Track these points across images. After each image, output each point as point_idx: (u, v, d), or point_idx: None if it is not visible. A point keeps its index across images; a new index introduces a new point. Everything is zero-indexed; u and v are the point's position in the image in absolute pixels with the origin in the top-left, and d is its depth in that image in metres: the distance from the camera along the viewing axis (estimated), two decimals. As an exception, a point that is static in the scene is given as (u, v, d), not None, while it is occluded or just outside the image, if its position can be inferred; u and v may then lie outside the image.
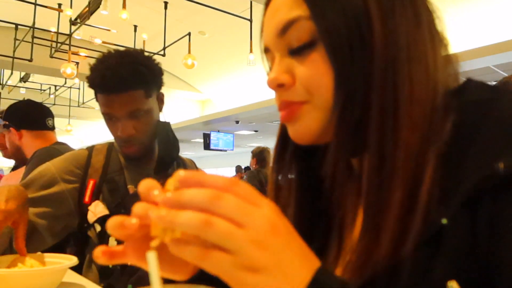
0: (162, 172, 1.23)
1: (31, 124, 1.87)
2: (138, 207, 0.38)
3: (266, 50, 0.53)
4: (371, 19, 0.44)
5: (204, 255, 0.32)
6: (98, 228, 1.14)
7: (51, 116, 1.95)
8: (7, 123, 1.87)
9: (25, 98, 2.07)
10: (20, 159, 1.93)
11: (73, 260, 0.91)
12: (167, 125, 1.26)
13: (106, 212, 1.14)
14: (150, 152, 1.22)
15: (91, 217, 1.15)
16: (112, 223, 0.38)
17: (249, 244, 0.32)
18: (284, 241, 0.34)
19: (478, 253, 0.39)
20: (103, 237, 1.12)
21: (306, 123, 0.48)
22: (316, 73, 0.46)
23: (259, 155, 4.79)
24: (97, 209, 1.14)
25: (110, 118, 1.17)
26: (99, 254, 0.39)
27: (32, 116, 1.89)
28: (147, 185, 0.39)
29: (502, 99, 0.43)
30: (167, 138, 1.25)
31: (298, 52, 0.47)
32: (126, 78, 1.10)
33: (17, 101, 2.04)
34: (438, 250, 0.40)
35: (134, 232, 0.37)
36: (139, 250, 0.40)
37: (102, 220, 1.14)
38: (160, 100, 1.26)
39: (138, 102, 1.14)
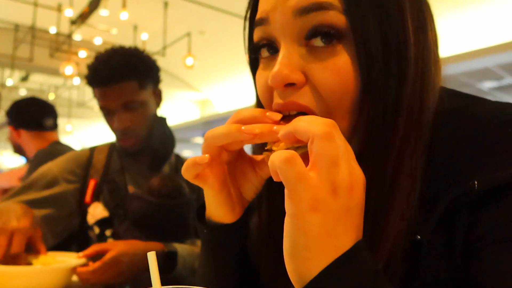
0: (157, 166, 1.23)
1: (29, 125, 1.84)
2: (260, 125, 0.41)
3: (262, 21, 0.45)
4: (407, 31, 0.41)
5: (292, 159, 0.33)
6: (96, 230, 1.14)
7: (53, 115, 1.91)
8: (8, 120, 1.86)
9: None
10: (23, 156, 1.93)
11: (82, 260, 0.93)
12: (163, 120, 1.27)
13: (105, 214, 1.14)
14: (146, 146, 1.22)
15: (90, 219, 1.15)
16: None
17: (336, 180, 0.34)
18: (355, 204, 0.35)
19: (454, 266, 0.39)
20: (102, 240, 1.12)
21: None
22: (336, 78, 0.40)
23: None
24: (96, 211, 1.14)
25: (107, 112, 1.17)
26: (203, 160, 0.43)
27: (31, 116, 1.85)
28: (259, 110, 0.43)
29: (476, 107, 0.44)
30: (163, 132, 1.25)
31: (315, 44, 0.41)
32: (117, 69, 1.12)
33: (22, 98, 1.99)
34: (416, 264, 0.40)
35: (248, 139, 0.41)
36: (220, 175, 0.46)
37: (101, 223, 1.14)
38: (157, 95, 1.26)
39: (131, 93, 1.14)
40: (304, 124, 0.35)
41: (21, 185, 1.14)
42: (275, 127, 0.39)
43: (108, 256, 0.94)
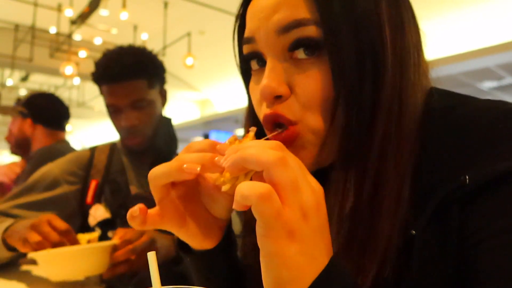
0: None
1: (50, 122, 1.84)
2: (200, 156, 0.38)
3: (249, 40, 0.48)
4: (384, 36, 0.43)
5: (269, 196, 0.31)
6: (98, 231, 1.14)
7: (69, 117, 1.93)
8: (25, 111, 1.83)
9: (21, 96, 2.00)
10: (24, 151, 1.88)
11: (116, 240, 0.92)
12: (169, 120, 1.27)
13: (107, 215, 1.14)
14: (151, 145, 1.22)
15: (92, 220, 1.15)
16: (172, 166, 0.39)
17: (301, 207, 0.32)
18: (323, 221, 0.34)
19: (448, 262, 0.40)
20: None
21: (306, 152, 0.45)
22: (316, 86, 0.43)
23: None
24: (97, 213, 1.14)
25: (114, 110, 1.17)
26: (136, 213, 0.41)
27: (53, 113, 1.85)
28: (209, 142, 0.40)
29: (467, 104, 0.44)
30: (167, 133, 1.25)
31: (298, 57, 0.44)
32: (129, 67, 1.13)
33: (40, 92, 1.97)
34: (409, 259, 0.41)
35: (190, 177, 0.39)
36: (174, 213, 0.43)
37: (102, 224, 1.14)
38: (163, 95, 1.26)
39: (141, 91, 1.15)
40: (253, 153, 0.33)
41: (22, 187, 1.14)
42: (216, 158, 0.37)
43: (145, 237, 0.92)
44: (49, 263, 0.84)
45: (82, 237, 0.94)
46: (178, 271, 1.01)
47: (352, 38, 0.42)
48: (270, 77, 0.44)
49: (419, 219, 0.41)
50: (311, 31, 0.43)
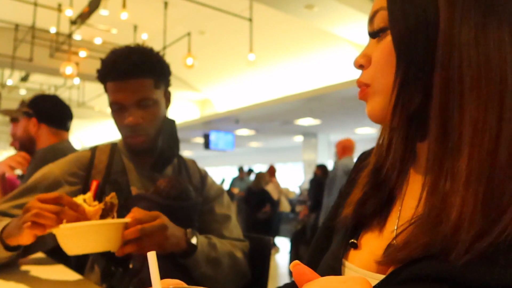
0: (160, 167, 1.23)
1: (53, 121, 1.89)
2: None
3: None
4: (438, 17, 0.46)
5: None
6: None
7: (71, 118, 1.99)
8: (30, 111, 1.89)
9: (24, 99, 2.08)
10: (29, 150, 1.93)
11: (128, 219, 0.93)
12: (172, 122, 1.26)
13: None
14: (153, 147, 1.21)
15: None
16: None
17: None
18: None
19: None
20: None
21: (371, 105, 0.53)
22: (382, 59, 0.50)
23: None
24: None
25: (118, 108, 1.16)
26: None
27: (57, 113, 1.92)
28: None
29: None
30: (171, 134, 1.24)
31: (374, 36, 0.53)
32: (137, 65, 1.13)
33: (44, 93, 2.08)
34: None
35: None
36: None
37: None
38: (167, 97, 1.26)
39: (147, 90, 1.15)
40: None
41: (23, 187, 1.13)
42: None
43: (159, 221, 0.93)
44: (65, 237, 0.87)
45: (77, 199, 0.94)
46: (183, 263, 1.02)
47: (410, 15, 0.47)
48: (361, 52, 0.55)
49: None
50: (382, 15, 0.51)
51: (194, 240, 1.01)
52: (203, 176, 1.29)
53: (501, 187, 0.41)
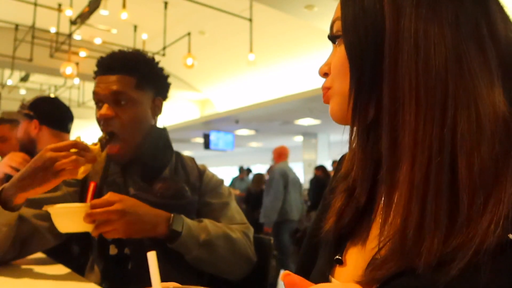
0: (150, 177, 1.18)
1: (54, 123, 1.90)
2: None
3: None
4: (384, 18, 0.46)
5: None
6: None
7: (72, 120, 2.00)
8: (31, 113, 1.89)
9: (25, 99, 2.08)
10: (30, 152, 1.92)
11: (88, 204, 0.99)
12: (161, 131, 1.23)
13: None
14: (136, 157, 1.17)
15: None
16: None
17: None
18: None
19: None
20: (103, 243, 1.11)
21: (332, 106, 0.56)
22: (338, 64, 0.53)
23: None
24: None
25: (96, 102, 1.16)
26: None
27: (58, 115, 1.93)
28: None
29: None
30: (160, 144, 1.21)
31: (333, 41, 0.56)
32: (119, 61, 1.15)
33: (46, 96, 2.08)
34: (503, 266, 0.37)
35: None
36: None
37: None
38: (157, 105, 1.22)
39: (125, 86, 1.13)
40: None
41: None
42: None
43: (116, 206, 0.96)
44: (57, 216, 0.96)
45: (77, 139, 1.01)
46: (171, 248, 1.03)
47: (359, 21, 0.49)
48: (324, 62, 0.59)
49: None
50: (338, 24, 0.53)
51: (177, 225, 1.01)
52: (201, 172, 1.27)
53: (450, 194, 0.41)
